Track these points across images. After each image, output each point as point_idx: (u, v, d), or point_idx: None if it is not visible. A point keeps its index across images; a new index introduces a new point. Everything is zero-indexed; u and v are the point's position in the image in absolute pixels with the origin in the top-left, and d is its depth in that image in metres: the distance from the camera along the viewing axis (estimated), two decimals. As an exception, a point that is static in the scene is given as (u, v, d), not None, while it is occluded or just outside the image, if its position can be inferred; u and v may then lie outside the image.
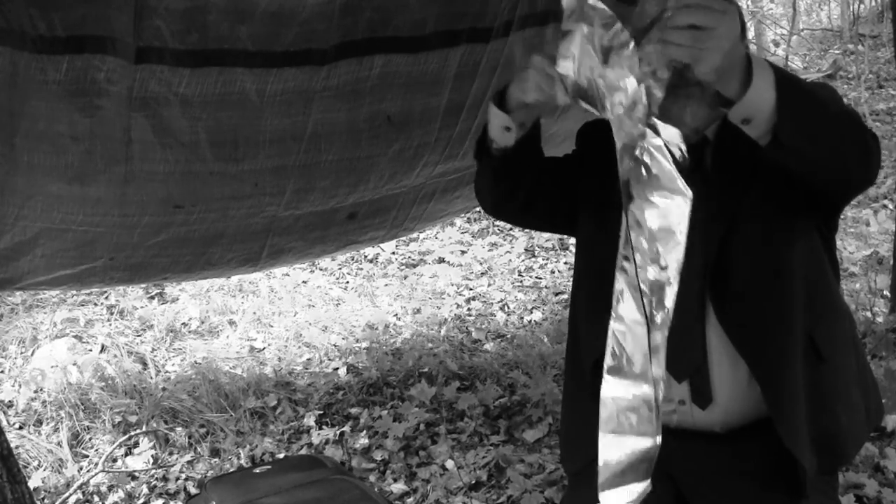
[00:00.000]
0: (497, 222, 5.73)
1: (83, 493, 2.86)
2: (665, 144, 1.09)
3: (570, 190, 1.54)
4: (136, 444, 3.12)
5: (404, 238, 5.21)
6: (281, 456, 3.01)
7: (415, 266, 5.16)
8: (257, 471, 2.36)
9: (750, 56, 1.13)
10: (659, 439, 1.09)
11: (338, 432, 3.12)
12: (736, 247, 1.36)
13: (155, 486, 2.91)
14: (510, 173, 1.47)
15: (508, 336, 3.92)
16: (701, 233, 1.37)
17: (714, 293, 1.38)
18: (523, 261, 5.12)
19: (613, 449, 1.10)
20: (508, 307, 4.35)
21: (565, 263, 4.95)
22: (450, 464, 2.83)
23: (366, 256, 5.23)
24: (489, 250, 5.24)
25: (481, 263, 5.05)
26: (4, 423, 3.23)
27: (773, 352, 1.38)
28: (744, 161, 1.34)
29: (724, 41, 1.07)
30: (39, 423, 3.31)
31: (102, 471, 2.92)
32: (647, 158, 1.10)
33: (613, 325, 1.12)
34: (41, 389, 3.51)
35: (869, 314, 3.58)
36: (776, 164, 1.22)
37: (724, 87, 1.14)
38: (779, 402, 1.37)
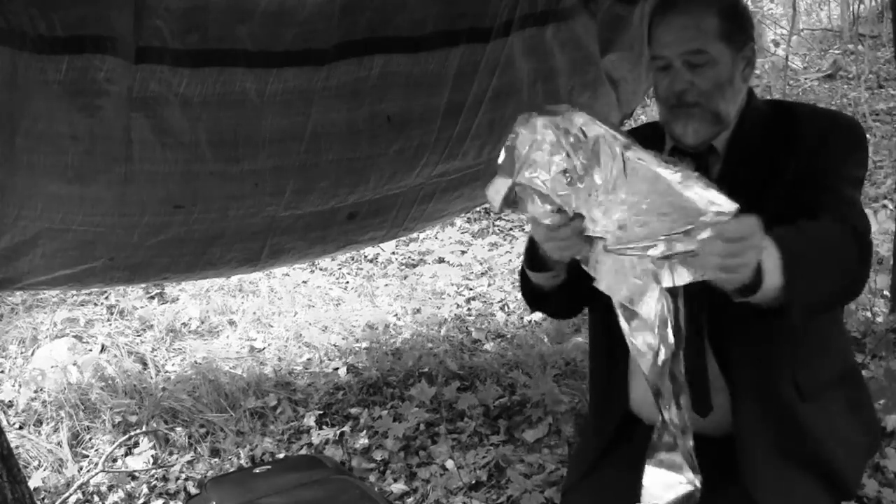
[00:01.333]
0: (497, 222, 5.73)
1: (83, 493, 2.86)
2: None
3: None
4: (136, 444, 3.11)
5: (404, 238, 5.21)
6: (281, 456, 3.01)
7: (415, 266, 5.15)
8: (257, 471, 2.36)
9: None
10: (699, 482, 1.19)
11: (338, 432, 3.12)
12: None
13: (155, 486, 2.91)
14: (559, 297, 1.52)
15: (508, 336, 3.92)
16: None
17: (710, 315, 1.40)
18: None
19: None
20: (508, 307, 4.34)
21: (565, 263, 4.93)
22: (450, 464, 2.83)
23: (366, 256, 5.22)
24: (489, 250, 5.23)
25: (481, 263, 5.05)
26: (4, 423, 3.23)
27: (749, 382, 1.40)
28: (754, 181, 1.36)
29: (752, 261, 1.09)
30: (39, 423, 3.31)
31: (102, 471, 2.92)
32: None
33: None
34: (41, 389, 3.51)
35: (869, 314, 3.58)
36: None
37: (737, 291, 1.16)
38: (741, 426, 1.40)
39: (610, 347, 1.50)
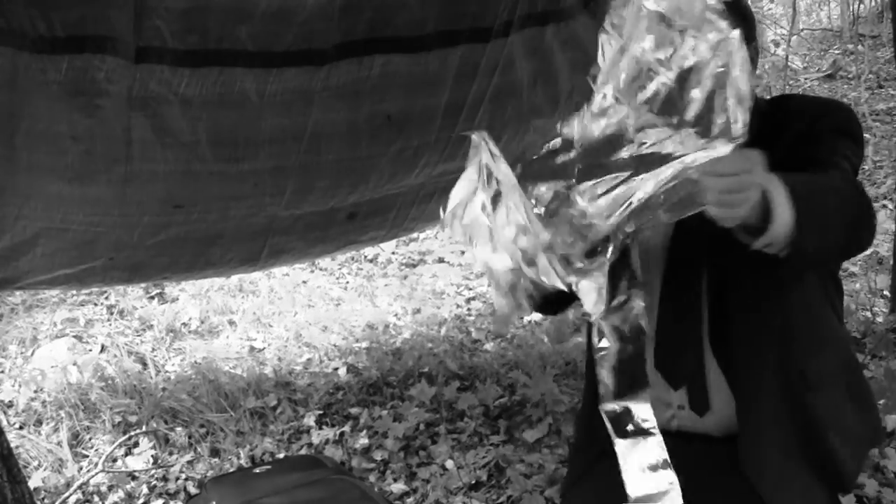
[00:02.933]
0: (497, 222, 5.73)
1: (83, 493, 2.86)
2: None
3: None
4: (136, 444, 3.11)
5: (404, 238, 5.21)
6: (281, 456, 3.01)
7: (415, 266, 5.15)
8: (257, 471, 2.36)
9: (766, 190, 1.11)
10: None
11: (338, 432, 3.12)
12: (736, 271, 1.36)
13: (155, 486, 2.91)
14: (558, 302, 1.48)
15: (508, 336, 3.92)
16: (694, 248, 1.37)
17: (711, 314, 1.40)
18: (523, 261, 5.11)
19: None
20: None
21: (565, 263, 4.94)
22: (450, 464, 2.83)
23: (366, 256, 5.22)
24: (489, 250, 5.23)
25: (481, 263, 5.04)
26: (4, 423, 3.23)
27: (755, 380, 1.39)
28: None
29: (752, 195, 1.07)
30: (39, 423, 3.31)
31: (102, 471, 2.92)
32: None
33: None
34: (41, 389, 3.51)
35: (869, 314, 3.58)
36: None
37: (745, 231, 1.13)
38: (747, 424, 1.39)
39: None
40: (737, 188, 1.05)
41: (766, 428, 1.39)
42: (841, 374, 1.48)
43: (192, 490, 2.83)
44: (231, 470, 2.85)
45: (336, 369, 3.64)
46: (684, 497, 1.50)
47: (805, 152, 1.33)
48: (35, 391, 3.50)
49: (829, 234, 1.20)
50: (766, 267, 1.28)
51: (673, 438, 1.46)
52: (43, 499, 2.82)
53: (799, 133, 1.36)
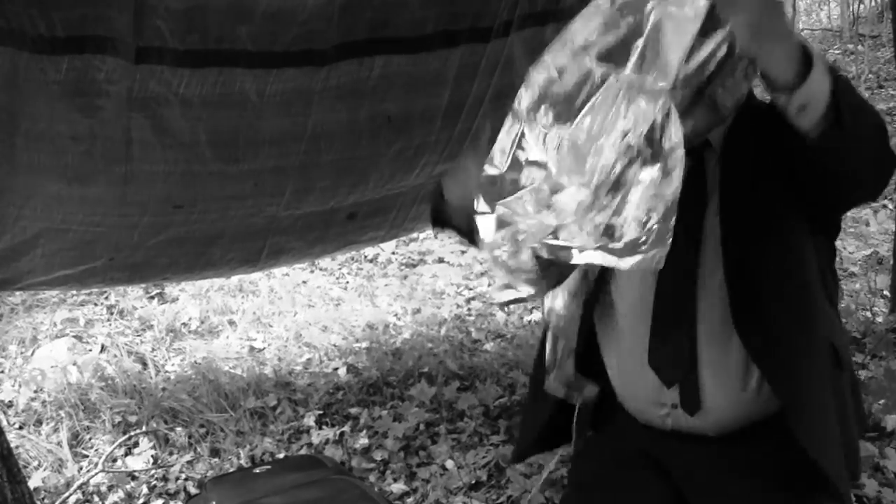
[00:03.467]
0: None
1: (83, 493, 2.86)
2: None
3: None
4: (136, 444, 3.11)
5: (404, 238, 5.20)
6: (281, 456, 3.01)
7: (415, 266, 5.15)
8: (257, 471, 2.36)
9: (804, 41, 1.10)
10: None
11: (338, 432, 3.12)
12: (754, 262, 1.35)
13: (155, 486, 2.91)
14: None
15: (508, 336, 3.92)
16: (691, 244, 1.36)
17: (736, 308, 1.36)
18: (523, 261, 5.11)
19: None
20: (508, 307, 4.34)
21: (565, 263, 4.93)
22: (450, 464, 2.83)
23: (366, 256, 5.22)
24: (489, 250, 5.23)
25: (481, 263, 5.04)
26: (4, 423, 3.23)
27: (797, 366, 1.36)
28: (749, 171, 1.35)
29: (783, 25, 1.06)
30: (39, 423, 3.31)
31: (102, 471, 2.92)
32: None
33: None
34: (41, 389, 3.51)
35: (869, 314, 3.58)
36: (809, 162, 1.20)
37: (783, 69, 1.09)
38: (800, 415, 1.34)
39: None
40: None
41: (815, 401, 1.35)
42: (828, 354, 1.45)
43: (192, 490, 2.83)
44: (231, 470, 2.85)
45: (336, 369, 3.64)
46: (683, 498, 1.51)
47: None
48: (35, 391, 3.50)
49: (863, 137, 1.16)
50: (778, 245, 1.29)
51: (668, 438, 1.47)
52: (43, 499, 2.82)
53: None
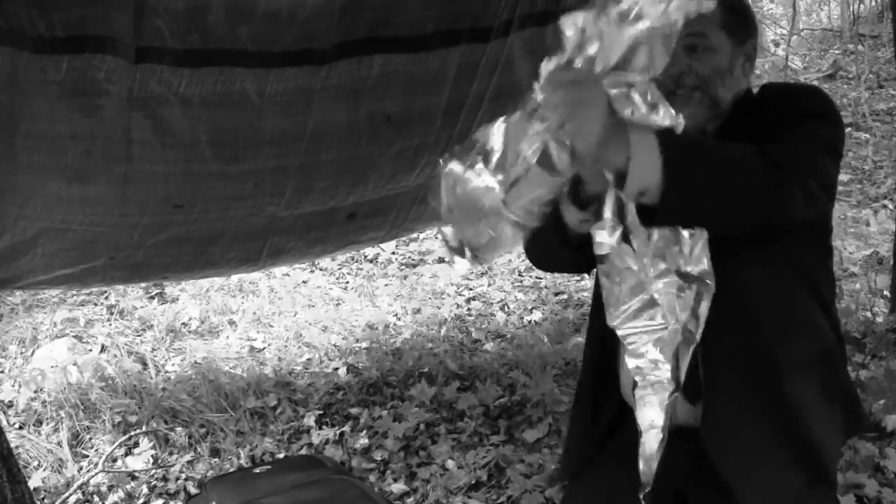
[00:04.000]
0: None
1: (83, 493, 2.86)
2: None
3: None
4: (136, 444, 3.11)
5: (404, 238, 5.21)
6: (281, 456, 3.00)
7: (415, 266, 5.15)
8: (257, 471, 2.36)
9: (628, 130, 1.14)
10: None
11: (338, 432, 3.12)
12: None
13: (155, 486, 2.90)
14: (583, 252, 1.43)
15: (508, 336, 3.92)
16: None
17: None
18: (523, 261, 5.11)
19: None
20: (508, 307, 4.34)
21: (565, 263, 4.93)
22: (450, 464, 2.83)
23: (366, 256, 5.22)
24: (489, 250, 5.23)
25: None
26: (4, 423, 3.22)
27: (719, 359, 1.37)
28: None
29: (589, 116, 1.10)
30: (39, 423, 3.31)
31: (102, 471, 2.92)
32: None
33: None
34: (41, 389, 3.50)
35: (869, 314, 3.58)
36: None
37: (608, 165, 1.15)
38: (713, 406, 1.37)
39: (602, 329, 1.47)
40: (576, 104, 1.10)
41: (733, 411, 1.37)
42: (816, 362, 1.44)
43: (192, 490, 2.83)
44: (231, 470, 2.85)
45: (336, 369, 3.64)
46: (684, 497, 1.50)
47: (773, 136, 1.30)
48: (35, 391, 3.50)
49: (708, 195, 1.20)
50: (720, 239, 1.28)
51: (672, 436, 1.46)
52: (43, 499, 2.82)
53: (770, 120, 1.34)
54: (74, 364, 3.70)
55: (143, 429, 3.19)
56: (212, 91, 2.04)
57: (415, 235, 5.23)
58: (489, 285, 4.72)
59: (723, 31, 1.38)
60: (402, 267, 5.14)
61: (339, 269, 5.13)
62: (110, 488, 2.90)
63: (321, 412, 3.28)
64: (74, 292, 4.42)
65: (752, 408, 1.38)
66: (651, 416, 1.32)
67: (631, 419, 1.44)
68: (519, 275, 4.88)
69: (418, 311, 4.31)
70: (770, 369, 1.38)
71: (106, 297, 4.50)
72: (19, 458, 2.75)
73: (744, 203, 1.24)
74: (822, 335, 1.46)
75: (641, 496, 1.31)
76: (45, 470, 2.98)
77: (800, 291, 1.41)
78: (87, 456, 3.11)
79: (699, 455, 1.44)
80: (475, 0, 2.27)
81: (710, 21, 1.35)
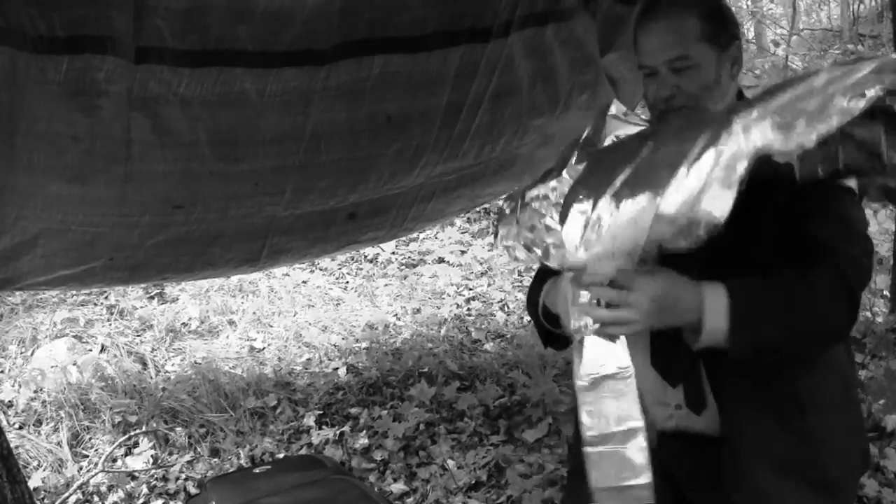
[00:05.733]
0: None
1: (83, 493, 2.86)
2: None
3: None
4: (136, 444, 3.12)
5: (404, 238, 5.21)
6: (281, 456, 3.01)
7: (415, 266, 5.15)
8: (257, 471, 2.36)
9: (700, 294, 1.24)
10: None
11: (338, 432, 3.12)
12: (722, 277, 1.32)
13: (155, 486, 2.91)
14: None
15: (508, 336, 3.92)
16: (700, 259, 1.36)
17: None
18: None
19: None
20: (508, 307, 4.35)
21: (565, 263, 4.93)
22: (450, 464, 2.83)
23: (366, 256, 5.22)
24: (489, 250, 5.23)
25: (481, 263, 5.05)
26: (4, 423, 3.23)
27: (739, 390, 1.38)
28: (758, 200, 1.33)
29: (641, 305, 1.20)
30: (39, 423, 3.31)
31: (102, 471, 2.92)
32: None
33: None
34: (41, 389, 3.51)
35: (869, 314, 3.58)
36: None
37: (686, 332, 1.26)
38: (731, 436, 1.40)
39: None
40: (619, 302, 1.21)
41: (752, 442, 1.37)
42: (836, 395, 1.44)
43: (192, 490, 2.83)
44: (231, 470, 2.85)
45: (336, 369, 3.64)
46: (684, 497, 1.50)
47: (801, 220, 1.32)
48: (35, 391, 3.50)
49: (772, 340, 1.26)
50: (739, 270, 1.29)
51: (671, 439, 1.47)
52: (43, 499, 2.82)
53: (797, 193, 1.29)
54: (74, 364, 3.70)
55: (143, 429, 3.19)
56: (211, 91, 2.04)
57: (415, 235, 5.24)
58: (489, 285, 4.72)
59: (704, 43, 1.37)
60: (402, 267, 5.14)
61: (339, 269, 5.13)
62: (110, 488, 2.90)
63: (321, 412, 3.29)
64: (74, 292, 4.43)
65: (772, 441, 1.38)
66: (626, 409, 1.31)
67: None
68: (519, 275, 4.88)
69: (418, 311, 4.32)
70: (792, 405, 1.39)
71: (106, 297, 4.50)
72: (19, 458, 2.75)
73: (817, 341, 1.32)
74: (840, 367, 1.47)
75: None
76: (44, 470, 2.98)
77: None
78: (87, 456, 3.11)
79: (700, 458, 1.44)
80: (475, 0, 2.27)
81: (689, 38, 1.36)
